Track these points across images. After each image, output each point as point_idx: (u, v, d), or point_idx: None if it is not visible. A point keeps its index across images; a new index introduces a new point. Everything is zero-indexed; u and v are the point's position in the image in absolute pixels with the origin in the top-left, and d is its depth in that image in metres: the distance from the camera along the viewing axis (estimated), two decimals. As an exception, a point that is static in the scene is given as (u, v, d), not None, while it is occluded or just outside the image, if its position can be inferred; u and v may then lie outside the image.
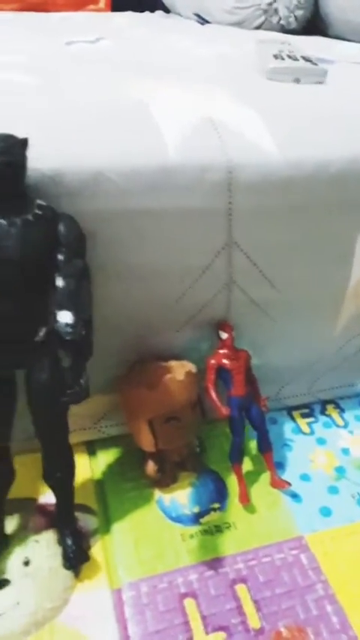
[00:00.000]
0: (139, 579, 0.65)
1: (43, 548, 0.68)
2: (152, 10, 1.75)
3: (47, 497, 0.74)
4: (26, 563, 0.67)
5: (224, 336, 0.75)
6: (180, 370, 0.71)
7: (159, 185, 0.62)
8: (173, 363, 0.73)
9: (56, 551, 0.68)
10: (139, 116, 0.67)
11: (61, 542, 0.67)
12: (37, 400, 0.61)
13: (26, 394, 0.62)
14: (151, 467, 0.74)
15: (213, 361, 0.74)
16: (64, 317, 0.53)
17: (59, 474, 0.65)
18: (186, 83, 0.80)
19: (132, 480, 0.77)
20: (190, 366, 0.72)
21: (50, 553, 0.68)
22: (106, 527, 0.71)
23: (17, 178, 0.53)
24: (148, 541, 0.69)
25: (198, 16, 1.56)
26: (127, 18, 1.60)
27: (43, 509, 0.73)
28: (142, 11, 1.73)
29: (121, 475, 0.78)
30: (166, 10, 1.75)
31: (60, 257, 0.55)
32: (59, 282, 0.54)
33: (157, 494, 0.75)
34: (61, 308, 0.54)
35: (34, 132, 0.55)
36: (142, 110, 0.68)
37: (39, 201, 0.56)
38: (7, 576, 0.65)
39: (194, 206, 0.64)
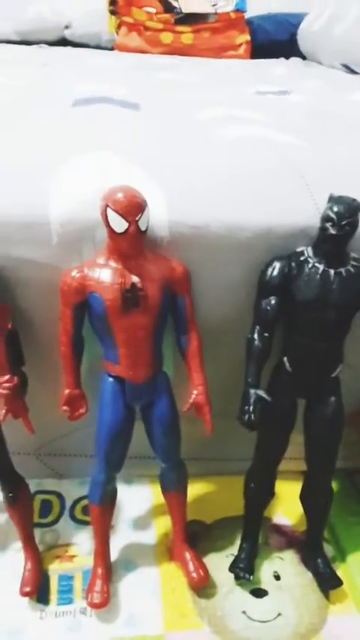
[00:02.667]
0: (387, 611, 0.69)
1: (288, 566, 0.74)
2: (287, 57, 1.77)
3: (279, 518, 0.81)
4: (277, 578, 0.72)
5: None
6: None
7: None
8: None
9: (301, 570, 0.73)
10: None
11: (312, 563, 0.72)
12: (317, 430, 0.68)
13: (304, 422, 0.68)
14: (386, 505, 0.78)
15: None
16: None
17: (322, 500, 0.71)
18: None
19: (355, 514, 0.82)
20: None
21: (296, 571, 0.73)
22: (341, 556, 0.76)
23: (352, 237, 0.61)
24: (387, 575, 0.73)
25: (346, 66, 1.59)
26: (281, 67, 1.65)
27: (279, 529, 0.79)
28: (277, 57, 1.75)
29: (343, 507, 0.83)
30: (302, 57, 1.76)
31: (378, 305, 0.62)
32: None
33: (385, 531, 0.79)
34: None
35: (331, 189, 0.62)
36: None
37: (352, 254, 0.63)
38: (262, 587, 0.71)
39: None
